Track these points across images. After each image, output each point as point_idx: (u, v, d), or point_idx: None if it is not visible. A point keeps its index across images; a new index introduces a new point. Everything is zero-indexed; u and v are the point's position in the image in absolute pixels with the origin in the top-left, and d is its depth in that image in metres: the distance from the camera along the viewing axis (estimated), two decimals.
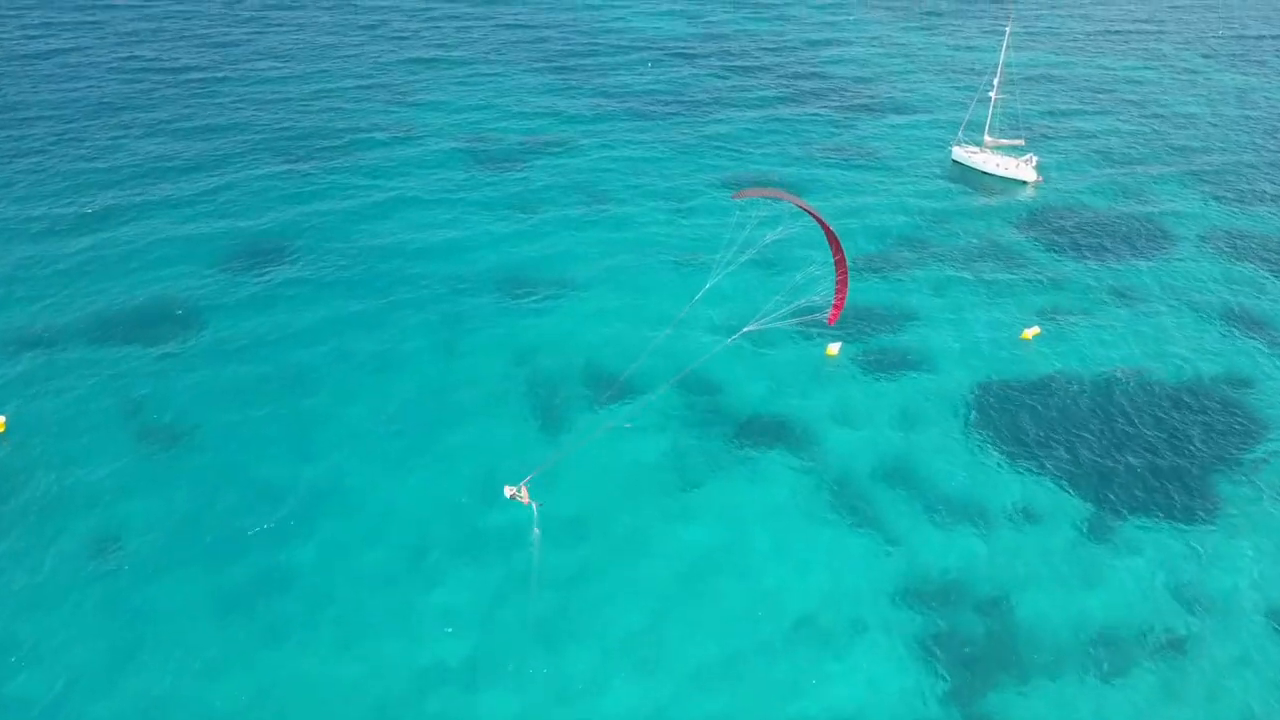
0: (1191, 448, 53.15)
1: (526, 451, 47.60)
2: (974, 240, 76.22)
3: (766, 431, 52.82)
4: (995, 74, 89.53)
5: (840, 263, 36.63)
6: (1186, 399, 57.28)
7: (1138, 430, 54.41)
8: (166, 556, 43.01)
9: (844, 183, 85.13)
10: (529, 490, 39.32)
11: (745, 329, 46.85)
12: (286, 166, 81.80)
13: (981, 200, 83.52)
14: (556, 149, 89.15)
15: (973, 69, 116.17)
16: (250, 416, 51.20)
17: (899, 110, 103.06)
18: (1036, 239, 76.71)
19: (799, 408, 54.96)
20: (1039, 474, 50.79)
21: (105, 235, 69.40)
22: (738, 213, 62.81)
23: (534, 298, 64.56)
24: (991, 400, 56.63)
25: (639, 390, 54.48)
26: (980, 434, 53.64)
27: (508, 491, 39.03)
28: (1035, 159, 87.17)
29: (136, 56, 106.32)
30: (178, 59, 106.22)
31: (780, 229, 56.56)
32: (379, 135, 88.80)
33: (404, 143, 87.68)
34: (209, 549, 43.51)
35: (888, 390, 57.11)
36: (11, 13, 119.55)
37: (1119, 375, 59.35)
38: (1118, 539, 46.41)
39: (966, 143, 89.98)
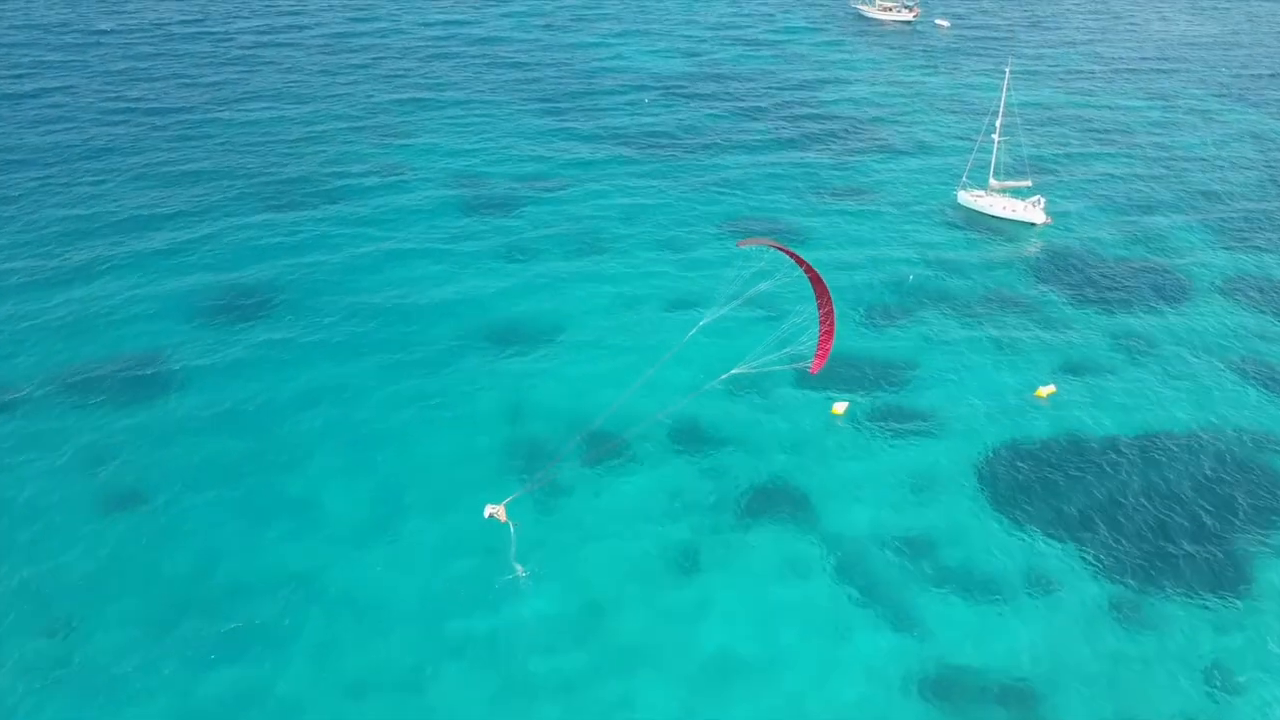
0: (1240, 525, 49.75)
1: (525, 536, 44.19)
2: (985, 288, 73.48)
3: (778, 506, 49.63)
4: (998, 114, 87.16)
5: (827, 315, 36.78)
6: (1230, 468, 53.86)
7: (1181, 505, 51.05)
8: (131, 659, 39.48)
9: (847, 228, 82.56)
10: (507, 510, 40.18)
11: (733, 371, 45.08)
12: (273, 214, 79.04)
13: (990, 245, 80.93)
14: (552, 193, 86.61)
15: (976, 108, 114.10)
16: (227, 495, 47.88)
17: (902, 152, 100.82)
18: (1051, 286, 73.98)
19: (810, 477, 51.83)
20: (1077, 554, 47.50)
21: (83, 289, 66.41)
22: (740, 262, 60.16)
23: (530, 357, 61.50)
24: (1017, 467, 53.48)
25: (644, 458, 51.62)
26: (1008, 507, 50.45)
27: (487, 511, 40.17)
28: (1043, 201, 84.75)
29: (123, 97, 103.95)
30: (165, 100, 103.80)
31: (779, 277, 53.90)
32: (370, 180, 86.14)
33: (395, 188, 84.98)
34: (178, 650, 39.97)
35: (904, 456, 54.02)
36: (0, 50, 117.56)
37: (1153, 439, 56.24)
38: (1171, 632, 42.90)
39: (972, 185, 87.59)
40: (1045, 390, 59.77)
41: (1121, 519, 49.97)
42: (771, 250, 45.12)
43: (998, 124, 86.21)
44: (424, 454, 51.71)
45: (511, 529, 41.22)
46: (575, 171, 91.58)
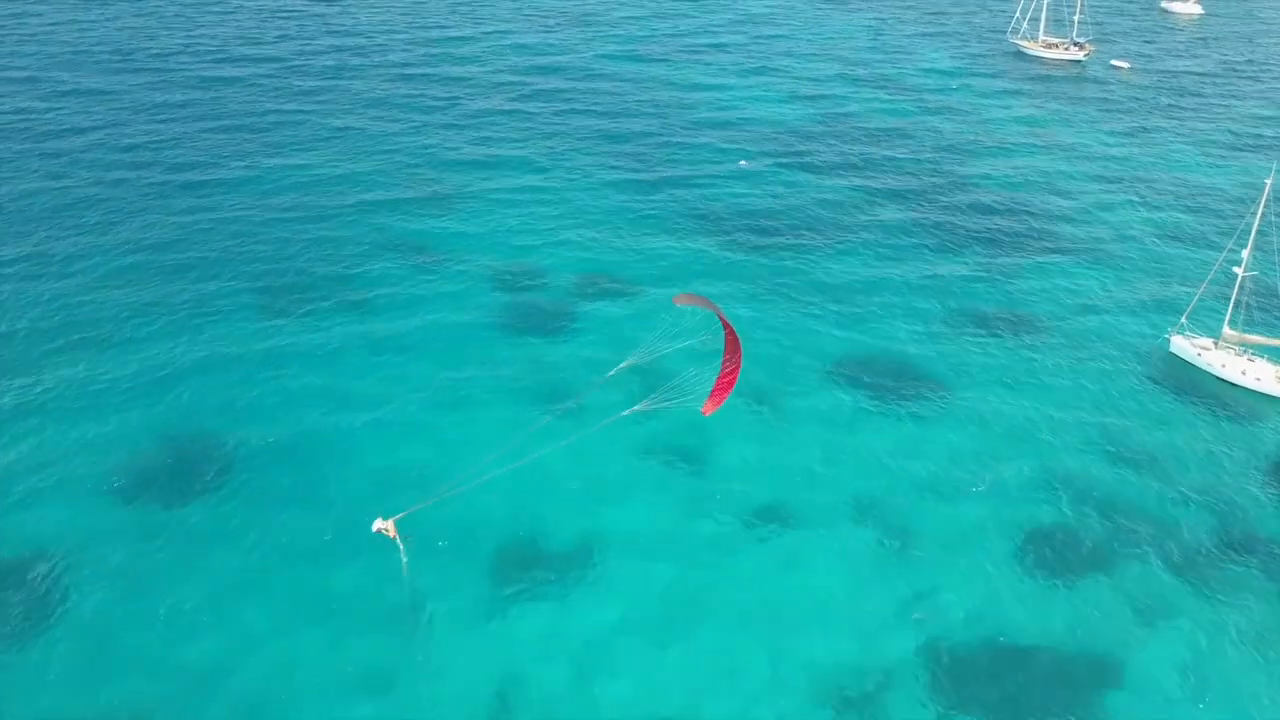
0: None
1: None
2: (1211, 514, 49.74)
3: None
4: (1249, 230, 61.20)
5: (732, 371, 38.39)
6: None
7: None
8: None
9: (995, 378, 59.81)
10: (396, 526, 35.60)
11: (634, 408, 42.29)
12: (246, 331, 62.11)
13: (1222, 434, 56.28)
14: (617, 299, 67.54)
15: (1189, 200, 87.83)
16: None
17: (1083, 260, 76.34)
18: None
19: None
20: None
21: None
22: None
23: (549, 594, 42.31)
24: None
25: None
26: None
27: (376, 525, 36.28)
28: None
29: (119, 160, 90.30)
30: (173, 161, 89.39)
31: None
32: (383, 290, 67.74)
33: (414, 306, 66.03)
34: None
35: None
36: None
37: None
38: None
39: (1196, 332, 63.00)
40: None
41: None
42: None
43: (1245, 253, 60.79)
44: None
45: (401, 545, 36.74)
46: (650, 266, 72.36)
